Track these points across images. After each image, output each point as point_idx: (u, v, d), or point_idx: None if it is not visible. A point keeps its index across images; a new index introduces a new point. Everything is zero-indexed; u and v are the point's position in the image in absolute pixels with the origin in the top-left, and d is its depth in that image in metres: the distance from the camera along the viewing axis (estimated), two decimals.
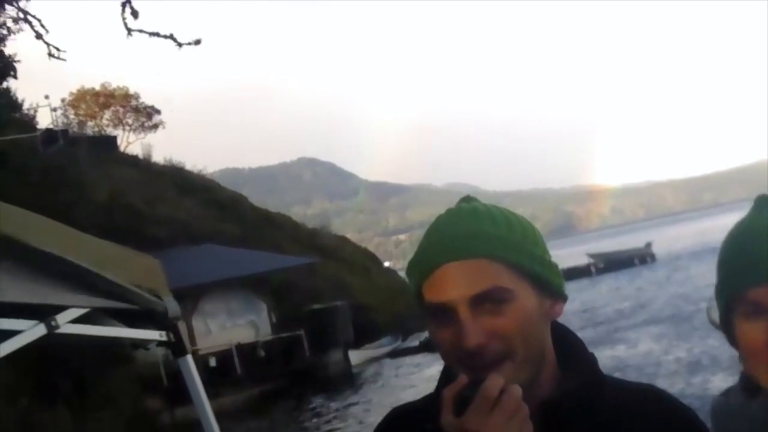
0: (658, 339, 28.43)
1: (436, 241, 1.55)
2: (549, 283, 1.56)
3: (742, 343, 1.48)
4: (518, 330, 1.49)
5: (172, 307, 3.21)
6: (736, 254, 1.49)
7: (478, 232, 1.52)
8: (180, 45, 8.27)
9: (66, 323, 2.54)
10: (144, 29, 8.11)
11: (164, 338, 3.31)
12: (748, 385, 1.57)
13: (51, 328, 2.49)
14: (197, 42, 8.44)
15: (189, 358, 3.59)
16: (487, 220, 1.54)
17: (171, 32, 8.41)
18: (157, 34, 8.13)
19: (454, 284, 1.50)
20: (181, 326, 3.55)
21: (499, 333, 1.48)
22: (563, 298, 1.61)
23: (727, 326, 1.54)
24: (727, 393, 1.63)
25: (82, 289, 2.58)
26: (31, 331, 2.46)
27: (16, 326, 2.41)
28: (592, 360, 1.63)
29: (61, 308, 2.52)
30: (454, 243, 1.52)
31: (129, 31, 7.99)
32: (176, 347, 3.48)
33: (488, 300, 1.48)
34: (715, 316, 1.59)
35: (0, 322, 2.32)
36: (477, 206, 1.60)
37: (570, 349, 1.64)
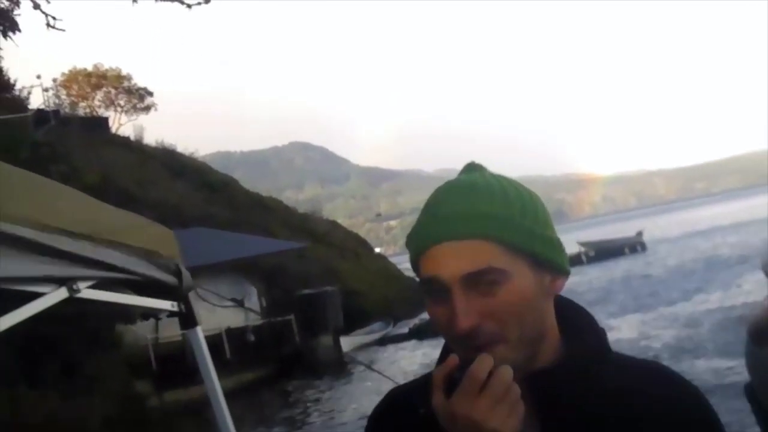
0: (642, 325, 28.57)
1: (432, 219, 1.53)
2: (548, 260, 1.53)
3: None
4: (512, 311, 1.47)
5: (187, 277, 3.20)
6: None
7: (474, 211, 1.49)
8: (189, 6, 8.14)
9: (85, 288, 2.54)
10: None
11: (175, 309, 3.30)
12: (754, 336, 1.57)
13: (72, 292, 2.50)
14: (207, 0, 8.30)
15: (198, 329, 3.58)
16: (484, 197, 1.51)
17: None
18: None
19: (447, 262, 1.47)
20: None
21: (492, 314, 1.46)
22: (565, 273, 1.57)
23: None
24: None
25: (96, 261, 2.58)
26: (53, 294, 2.46)
27: (39, 289, 2.41)
28: (599, 333, 1.60)
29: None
30: (449, 222, 1.49)
31: None
32: (187, 318, 3.47)
33: (481, 281, 1.46)
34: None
35: (23, 286, 2.32)
36: (476, 180, 1.56)
37: (577, 323, 1.61)
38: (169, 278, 3.07)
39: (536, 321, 1.51)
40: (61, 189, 2.67)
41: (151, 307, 3.17)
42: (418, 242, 1.53)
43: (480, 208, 1.49)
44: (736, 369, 18.88)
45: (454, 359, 1.41)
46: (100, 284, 2.67)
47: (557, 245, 1.56)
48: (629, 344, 24.00)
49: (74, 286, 2.50)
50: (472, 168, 1.63)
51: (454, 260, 1.47)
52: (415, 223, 1.57)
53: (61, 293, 2.48)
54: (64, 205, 2.52)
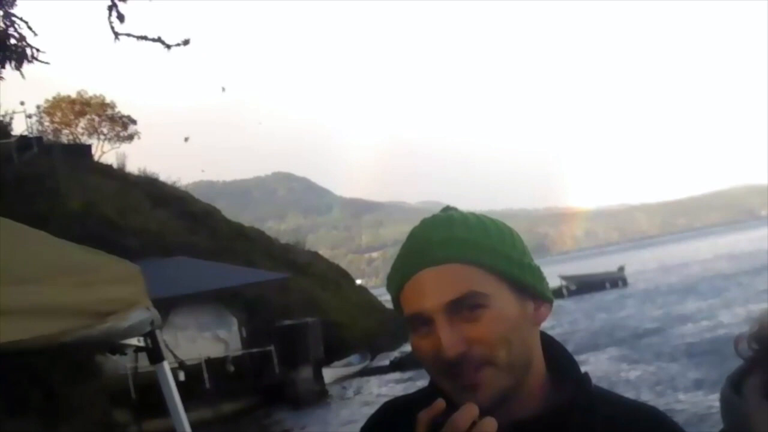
0: (618, 360, 28.63)
1: (409, 250, 1.53)
2: (529, 286, 1.53)
3: None
4: (498, 335, 1.45)
5: (154, 313, 3.21)
6: None
7: (451, 237, 1.50)
8: (168, 47, 8.17)
9: None
10: (131, 33, 8.06)
11: (141, 344, 3.34)
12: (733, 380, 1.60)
13: None
14: (186, 42, 8.32)
15: (165, 364, 3.61)
16: (460, 226, 1.52)
17: (158, 35, 8.31)
18: (144, 38, 8.04)
19: (428, 292, 1.47)
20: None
21: (478, 339, 1.44)
22: (548, 301, 1.57)
23: None
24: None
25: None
26: None
27: None
28: (584, 376, 1.59)
29: None
30: (427, 250, 1.49)
31: (116, 35, 7.90)
32: (153, 353, 3.50)
33: (465, 306, 1.45)
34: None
35: None
36: (452, 214, 1.58)
37: (558, 358, 1.60)
38: (136, 318, 3.08)
39: (523, 346, 1.50)
40: (24, 230, 2.69)
41: (119, 343, 3.20)
42: (398, 275, 1.53)
43: (457, 234, 1.50)
44: (710, 401, 19.05)
45: (441, 403, 1.35)
46: None
47: (537, 272, 1.56)
48: (606, 377, 24.07)
49: None
50: (448, 209, 1.63)
51: (435, 289, 1.46)
52: (394, 261, 1.57)
53: None
54: (19, 251, 2.55)
